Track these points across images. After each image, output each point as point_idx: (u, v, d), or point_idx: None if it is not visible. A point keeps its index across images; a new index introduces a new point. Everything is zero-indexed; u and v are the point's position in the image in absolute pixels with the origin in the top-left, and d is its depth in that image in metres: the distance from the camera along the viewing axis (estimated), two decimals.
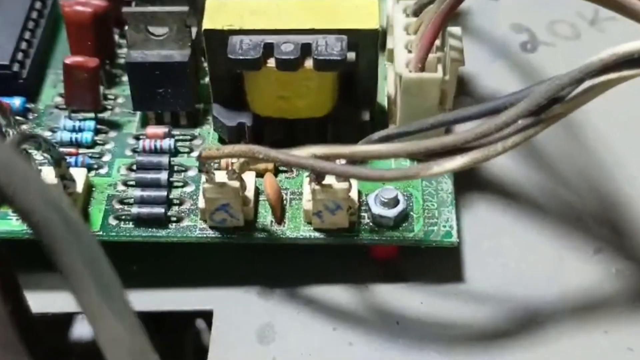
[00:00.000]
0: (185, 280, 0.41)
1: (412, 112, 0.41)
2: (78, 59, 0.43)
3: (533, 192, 0.44)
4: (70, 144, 0.44)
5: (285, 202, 0.42)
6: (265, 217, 0.41)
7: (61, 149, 0.43)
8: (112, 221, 0.41)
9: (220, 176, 0.39)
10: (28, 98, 0.46)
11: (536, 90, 0.31)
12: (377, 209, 0.40)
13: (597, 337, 0.39)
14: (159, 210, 0.41)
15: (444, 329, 0.39)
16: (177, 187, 0.42)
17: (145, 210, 0.41)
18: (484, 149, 0.32)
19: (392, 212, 0.40)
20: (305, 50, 0.40)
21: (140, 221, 0.41)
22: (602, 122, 0.47)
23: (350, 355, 0.38)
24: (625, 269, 0.41)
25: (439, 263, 0.41)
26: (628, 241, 0.42)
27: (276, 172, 0.43)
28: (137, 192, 0.41)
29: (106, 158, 0.44)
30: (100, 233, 0.40)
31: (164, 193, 0.41)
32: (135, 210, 0.41)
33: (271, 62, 0.40)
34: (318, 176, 0.38)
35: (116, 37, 0.49)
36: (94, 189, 0.42)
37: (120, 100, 0.46)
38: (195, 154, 0.44)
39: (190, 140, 0.44)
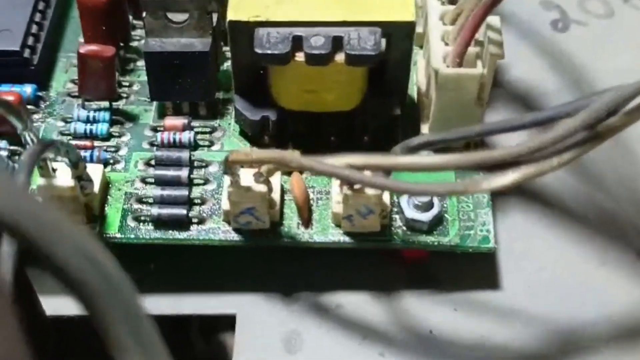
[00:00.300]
0: (207, 283, 0.39)
1: (448, 107, 0.39)
2: (93, 48, 0.40)
3: (571, 197, 0.41)
4: (85, 135, 0.41)
5: (312, 201, 0.39)
6: (292, 218, 0.39)
7: (76, 142, 0.41)
8: (131, 222, 0.39)
9: (246, 179, 0.36)
10: (39, 85, 0.43)
11: (597, 102, 0.29)
12: (411, 213, 0.38)
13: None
14: (181, 211, 0.38)
15: (479, 339, 0.37)
16: (198, 184, 0.40)
17: (166, 211, 0.38)
18: (537, 164, 0.30)
19: (426, 216, 0.38)
20: (336, 43, 0.37)
21: (160, 223, 0.38)
22: None
23: None
24: None
25: (473, 267, 0.39)
26: None
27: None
28: (157, 191, 0.39)
29: (123, 152, 0.41)
30: (118, 235, 0.38)
31: (185, 192, 0.39)
32: (155, 211, 0.38)
33: (300, 56, 0.37)
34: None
35: (130, 17, 0.46)
36: (110, 185, 0.40)
37: (135, 87, 0.44)
38: (216, 147, 0.42)
39: (211, 132, 0.42)
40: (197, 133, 0.41)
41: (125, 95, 0.43)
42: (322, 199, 0.39)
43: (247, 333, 0.38)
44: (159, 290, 0.39)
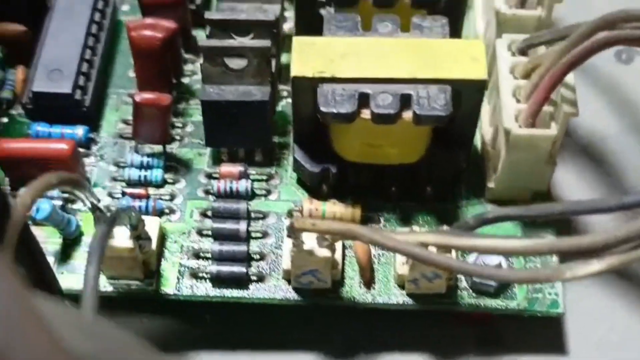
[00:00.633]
0: (264, 340, 0.38)
1: (518, 165, 0.38)
2: (149, 96, 0.39)
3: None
4: (139, 182, 0.40)
5: (374, 258, 0.38)
6: (353, 277, 0.38)
7: (131, 190, 0.40)
8: (188, 280, 0.38)
9: (309, 242, 0.35)
10: (90, 125, 0.42)
11: None
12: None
13: None
14: (240, 269, 0.37)
15: None
16: (256, 237, 0.39)
17: (225, 268, 0.37)
18: (623, 254, 0.28)
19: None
20: (405, 101, 0.35)
21: (219, 280, 0.38)
22: None
23: None
24: None
25: (540, 329, 0.38)
26: None
27: (363, 221, 0.39)
28: (215, 247, 0.38)
29: (178, 200, 0.40)
30: (175, 293, 0.37)
31: (244, 248, 0.38)
32: (214, 268, 0.37)
33: (366, 114, 0.36)
34: None
35: (182, 51, 0.44)
36: (166, 237, 0.39)
37: (188, 128, 0.43)
38: (273, 196, 0.40)
39: (267, 180, 0.41)
40: (253, 181, 0.40)
41: (178, 137, 0.42)
42: (384, 255, 0.38)
43: None
44: (215, 347, 0.38)
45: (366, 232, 0.32)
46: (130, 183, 0.40)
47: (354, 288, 0.38)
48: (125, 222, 0.34)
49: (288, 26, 0.45)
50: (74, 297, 0.35)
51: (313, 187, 0.40)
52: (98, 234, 0.29)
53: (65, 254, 0.39)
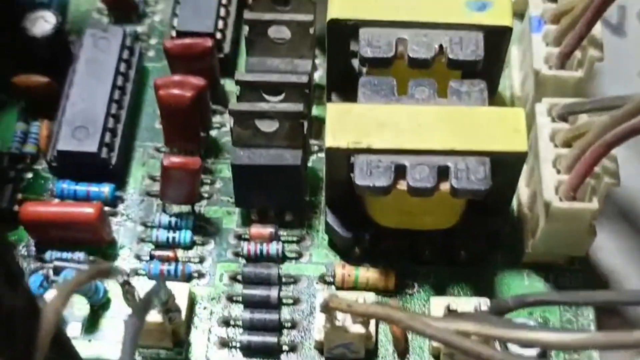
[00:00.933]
0: None
1: (557, 235, 0.37)
2: (177, 160, 0.38)
3: None
4: (167, 244, 0.40)
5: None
6: (387, 347, 0.37)
7: (159, 253, 0.39)
8: (218, 349, 0.37)
9: (343, 317, 0.35)
10: (117, 182, 0.41)
11: None
12: (514, 347, 0.36)
13: None
14: (272, 339, 0.37)
15: None
16: (287, 304, 0.38)
17: (257, 338, 0.37)
18: None
19: (530, 352, 0.36)
20: (442, 173, 0.35)
21: (249, 350, 0.37)
22: None
23: None
24: None
25: None
26: None
27: (396, 288, 0.39)
28: (246, 315, 0.38)
29: (207, 263, 0.40)
30: None
31: (276, 316, 0.38)
32: (244, 338, 0.37)
33: (402, 185, 0.35)
34: None
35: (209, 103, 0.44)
36: (195, 303, 0.38)
37: (217, 184, 0.42)
38: (304, 259, 0.40)
39: (298, 242, 0.40)
40: (284, 242, 0.40)
41: (206, 195, 0.41)
42: None
43: None
44: None
45: (404, 318, 0.31)
46: (158, 245, 0.40)
47: (387, 358, 0.37)
48: (156, 302, 0.33)
49: (319, 74, 0.45)
50: None
51: (346, 251, 0.39)
52: (130, 327, 0.29)
53: (92, 321, 0.38)
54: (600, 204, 0.36)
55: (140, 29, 0.47)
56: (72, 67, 0.43)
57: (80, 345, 0.36)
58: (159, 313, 0.35)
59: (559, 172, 0.36)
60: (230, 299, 0.39)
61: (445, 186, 0.35)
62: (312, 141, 0.43)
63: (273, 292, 0.38)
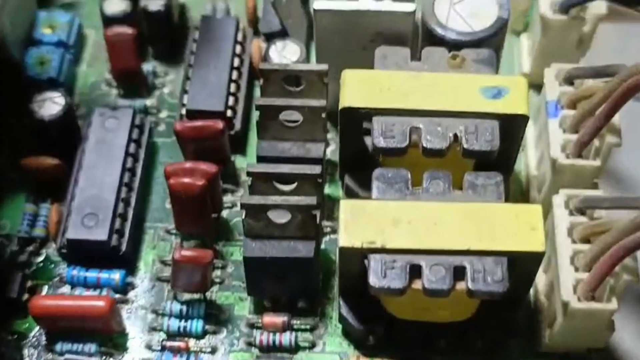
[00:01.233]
0: None
1: (575, 330, 0.37)
2: (188, 253, 0.38)
3: None
4: (178, 333, 0.40)
5: None
6: None
7: (170, 343, 0.39)
8: None
9: None
10: (127, 268, 0.41)
11: None
12: None
13: None
14: None
15: None
16: None
17: None
18: None
19: None
20: (458, 273, 0.34)
21: None
22: None
23: None
24: None
25: None
26: None
27: None
28: None
29: (219, 354, 0.40)
30: None
31: None
32: None
33: (417, 284, 0.35)
34: None
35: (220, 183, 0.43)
36: None
37: (229, 269, 0.42)
38: (318, 348, 0.40)
39: (311, 330, 0.40)
40: (297, 331, 0.40)
41: (218, 280, 0.41)
42: None
43: None
44: None
45: None
46: (169, 334, 0.40)
47: None
48: None
49: (331, 149, 0.45)
50: None
51: (359, 342, 0.39)
52: None
53: None
54: (619, 303, 0.36)
55: (149, 102, 0.47)
56: (81, 148, 0.43)
57: None
58: None
59: (577, 269, 0.36)
60: None
61: (461, 286, 0.35)
62: (325, 222, 0.42)
63: None
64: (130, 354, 0.39)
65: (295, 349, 0.39)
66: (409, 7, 0.40)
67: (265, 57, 0.44)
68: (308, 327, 0.40)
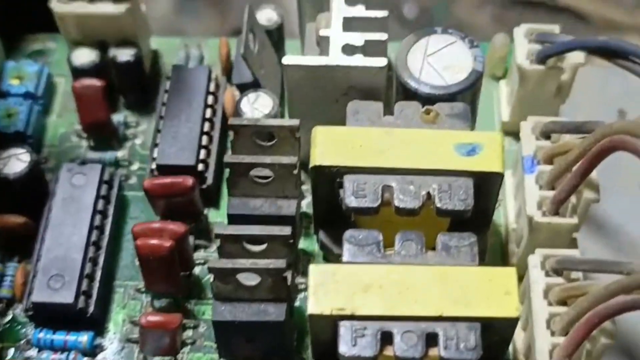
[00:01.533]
0: None
1: None
2: (156, 319, 0.38)
3: None
4: None
5: None
6: None
7: None
8: None
9: None
10: (96, 330, 0.41)
11: None
12: None
13: None
14: None
15: None
16: None
17: None
18: None
19: None
20: (431, 339, 0.34)
21: None
22: None
23: None
24: None
25: None
26: None
27: None
28: None
29: None
30: None
31: None
32: None
33: (389, 351, 0.34)
34: None
35: (191, 240, 0.43)
36: None
37: (201, 329, 0.41)
38: None
39: None
40: None
41: (190, 341, 0.41)
42: None
43: None
44: None
45: None
46: None
47: None
48: None
49: (306, 202, 0.44)
50: None
51: None
52: None
53: None
54: None
55: (120, 153, 0.46)
56: (48, 205, 0.42)
57: None
58: None
59: (553, 333, 0.35)
60: None
61: (434, 352, 0.34)
62: (299, 279, 0.42)
63: None
64: None
65: None
66: (380, 62, 0.39)
67: (236, 109, 0.44)
68: None
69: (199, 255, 0.43)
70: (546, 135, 0.39)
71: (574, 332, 0.34)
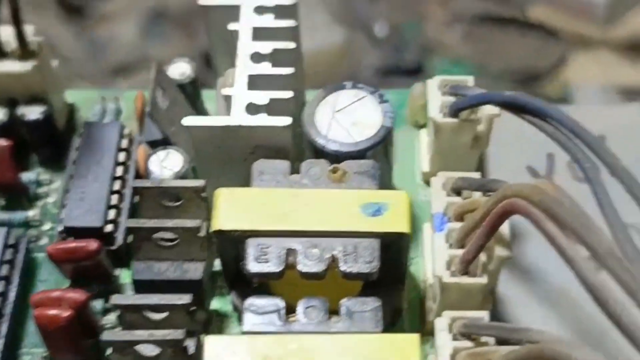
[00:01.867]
0: None
1: None
2: None
3: None
4: None
5: None
6: None
7: None
8: None
9: None
10: None
11: None
12: None
13: None
14: None
15: None
16: None
17: None
18: None
19: None
20: None
21: None
22: None
23: None
24: None
25: None
26: None
27: None
28: None
29: None
30: None
31: None
32: None
33: None
34: None
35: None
36: None
37: None
38: None
39: None
40: None
41: None
42: None
43: None
44: None
45: None
46: None
47: None
48: None
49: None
50: None
51: None
52: None
53: None
54: None
55: (32, 213, 0.45)
56: None
57: None
58: None
59: None
60: None
61: None
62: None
63: None
64: None
65: None
66: (284, 121, 0.39)
67: (145, 168, 0.43)
68: None
69: (110, 318, 0.42)
70: (457, 191, 0.39)
71: None
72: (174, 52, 0.87)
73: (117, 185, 0.44)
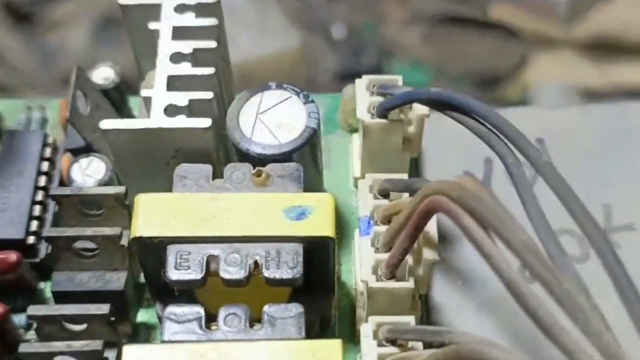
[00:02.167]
0: None
1: None
2: None
3: None
4: None
5: None
6: None
7: None
8: None
9: None
10: None
11: None
12: None
13: None
14: None
15: None
16: None
17: None
18: None
19: None
20: None
21: None
22: None
23: None
24: None
25: None
26: None
27: None
28: None
29: None
30: None
31: None
32: None
33: None
34: None
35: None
36: None
37: None
38: None
39: None
40: None
41: None
42: None
43: None
44: None
45: None
46: None
47: None
48: None
49: None
50: None
51: None
52: None
53: None
54: None
55: None
56: None
57: None
58: None
59: None
60: None
61: None
62: None
63: None
64: None
65: None
66: (204, 123, 0.39)
67: (68, 177, 0.43)
68: None
69: (34, 332, 0.42)
70: (384, 193, 0.39)
71: None
72: (126, 58, 0.87)
73: (40, 196, 0.44)
